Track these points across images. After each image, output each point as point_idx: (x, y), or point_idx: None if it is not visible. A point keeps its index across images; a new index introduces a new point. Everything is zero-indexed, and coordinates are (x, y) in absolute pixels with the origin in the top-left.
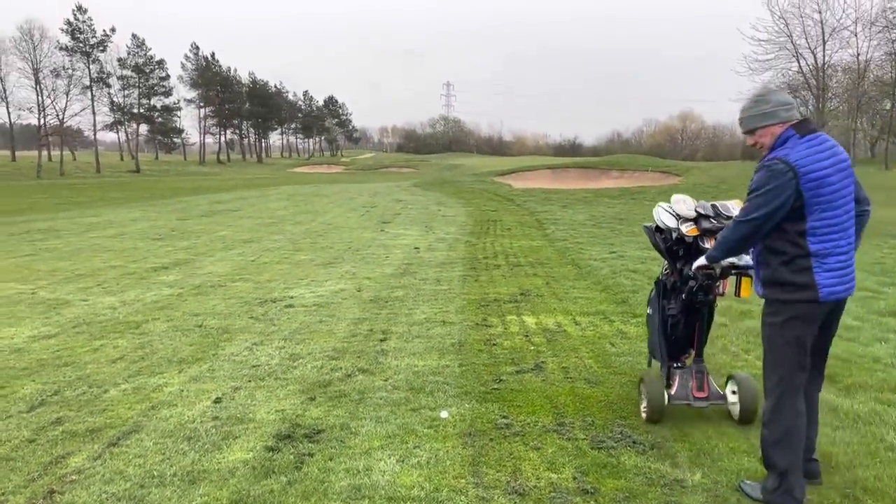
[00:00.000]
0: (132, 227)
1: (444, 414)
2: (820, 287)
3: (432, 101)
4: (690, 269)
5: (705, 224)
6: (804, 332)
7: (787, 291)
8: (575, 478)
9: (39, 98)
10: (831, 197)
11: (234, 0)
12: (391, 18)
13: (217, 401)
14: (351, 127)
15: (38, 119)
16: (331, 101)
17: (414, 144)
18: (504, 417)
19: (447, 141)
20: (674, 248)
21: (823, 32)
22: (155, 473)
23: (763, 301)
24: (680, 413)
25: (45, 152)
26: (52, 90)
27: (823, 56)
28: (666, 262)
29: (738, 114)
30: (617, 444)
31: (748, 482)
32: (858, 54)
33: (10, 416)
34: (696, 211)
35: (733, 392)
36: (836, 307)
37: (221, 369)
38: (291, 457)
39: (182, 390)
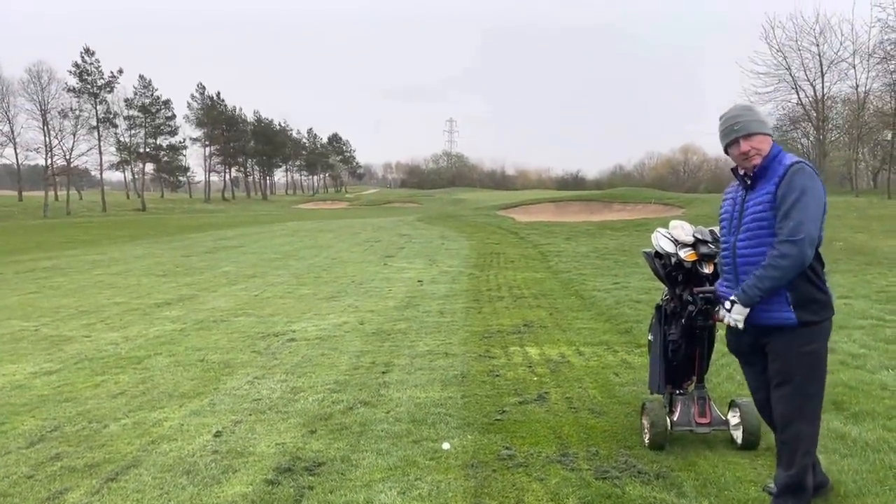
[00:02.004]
0: (136, 263)
1: (445, 445)
2: (833, 298)
3: (436, 137)
4: (689, 294)
5: (703, 249)
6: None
7: (818, 311)
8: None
9: (47, 139)
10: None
11: (240, 40)
12: (392, 56)
13: (217, 434)
14: (355, 163)
15: (46, 159)
16: (335, 139)
17: (417, 180)
18: (507, 448)
19: (450, 176)
20: (673, 273)
21: (822, 65)
22: None
23: (783, 329)
24: (684, 441)
25: (51, 192)
26: (60, 131)
27: (822, 88)
28: (665, 287)
29: (722, 123)
30: (622, 475)
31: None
32: (857, 85)
33: (9, 452)
34: (693, 236)
35: (735, 418)
36: None
37: (222, 403)
38: (291, 490)
39: (182, 424)
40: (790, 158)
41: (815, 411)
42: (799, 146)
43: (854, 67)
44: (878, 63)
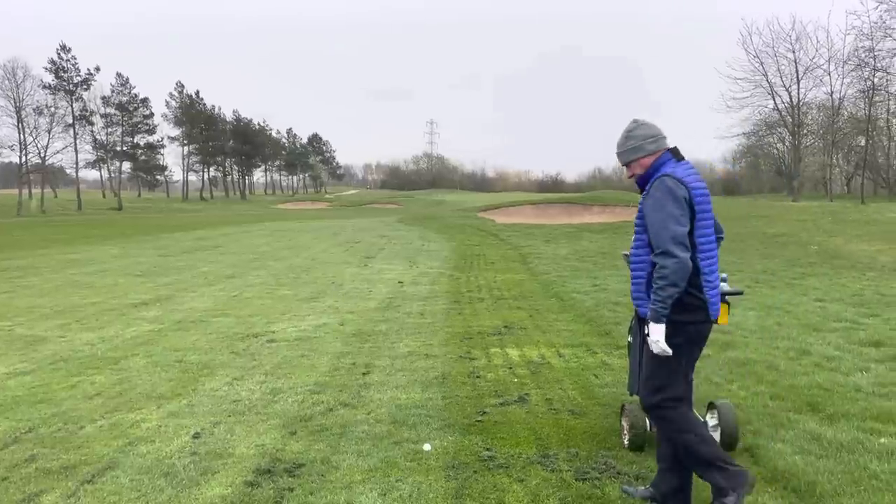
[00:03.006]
0: (113, 263)
1: (426, 447)
2: (710, 306)
3: (416, 139)
4: None
5: None
6: (692, 352)
7: (682, 313)
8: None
9: (21, 136)
10: (707, 215)
11: (220, 39)
12: (374, 57)
13: (196, 436)
14: (335, 164)
15: (20, 157)
16: (315, 139)
17: (398, 181)
18: (488, 450)
19: (431, 177)
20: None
21: (797, 71)
22: None
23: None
24: None
25: (25, 190)
26: (35, 128)
27: (798, 94)
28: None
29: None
30: (601, 476)
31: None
32: (832, 92)
33: None
34: None
35: (714, 419)
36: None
37: (201, 404)
38: (271, 491)
39: (160, 426)
40: (662, 171)
41: (656, 386)
42: (775, 151)
43: (829, 74)
44: (852, 70)
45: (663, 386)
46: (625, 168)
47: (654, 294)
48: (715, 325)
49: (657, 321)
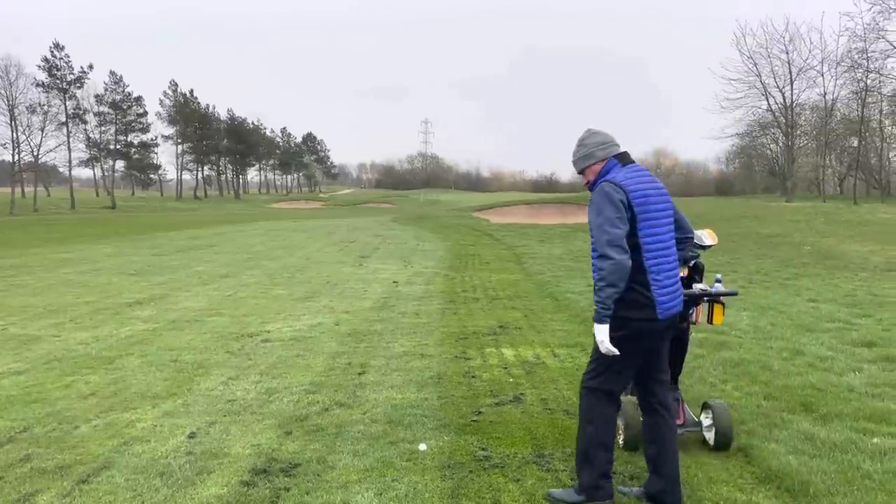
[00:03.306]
0: (107, 262)
1: (422, 447)
2: (657, 305)
3: (411, 138)
4: None
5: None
6: (636, 348)
7: (626, 308)
8: None
9: (14, 134)
10: (656, 214)
11: (214, 38)
12: (369, 56)
13: (191, 436)
14: (329, 163)
15: (13, 155)
16: (309, 138)
17: (392, 180)
18: (483, 449)
19: (425, 177)
20: None
21: (791, 72)
22: None
23: None
24: None
25: (18, 189)
26: (28, 126)
27: (791, 95)
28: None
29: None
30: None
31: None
32: (825, 93)
33: None
34: None
35: (708, 419)
36: (672, 323)
37: (196, 404)
38: (267, 491)
39: (155, 425)
40: (605, 178)
41: (596, 371)
42: (768, 152)
43: (822, 75)
44: (845, 71)
45: (603, 373)
46: (581, 176)
47: (595, 295)
48: (709, 326)
49: (600, 322)
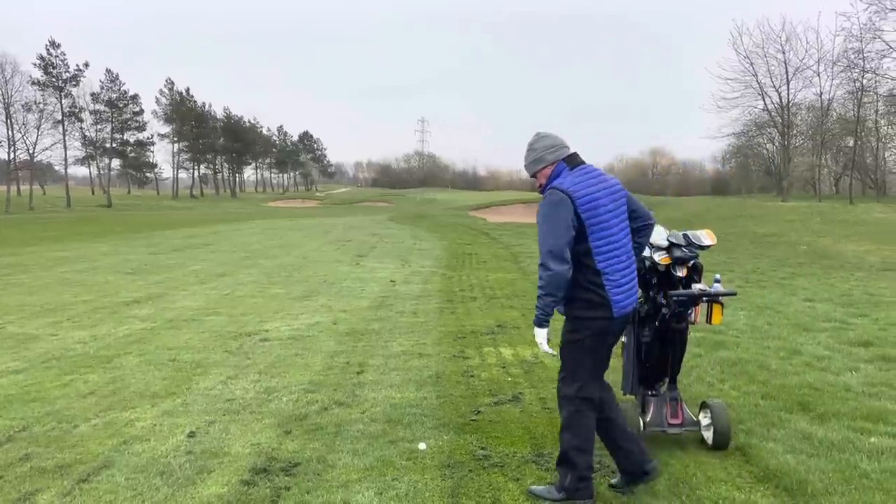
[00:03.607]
0: (103, 261)
1: (422, 446)
2: (613, 304)
3: (407, 137)
4: (663, 297)
5: (677, 253)
6: (600, 346)
7: (586, 310)
8: None
9: (10, 132)
10: (606, 216)
11: (211, 37)
12: (365, 56)
13: (191, 435)
14: (326, 161)
15: (8, 153)
16: (306, 136)
17: (389, 179)
18: (482, 448)
19: (422, 176)
20: (647, 276)
21: (787, 72)
22: None
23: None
24: (657, 441)
25: (14, 187)
26: (23, 124)
27: (788, 94)
28: (639, 290)
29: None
30: (595, 474)
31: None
32: (821, 93)
33: None
34: (668, 240)
35: (706, 418)
36: (626, 321)
37: (195, 403)
38: (267, 490)
39: (155, 425)
40: (553, 183)
41: (570, 377)
42: (764, 151)
43: (818, 75)
44: (841, 71)
45: (579, 378)
46: (534, 179)
47: (537, 300)
48: (707, 325)
49: (539, 326)
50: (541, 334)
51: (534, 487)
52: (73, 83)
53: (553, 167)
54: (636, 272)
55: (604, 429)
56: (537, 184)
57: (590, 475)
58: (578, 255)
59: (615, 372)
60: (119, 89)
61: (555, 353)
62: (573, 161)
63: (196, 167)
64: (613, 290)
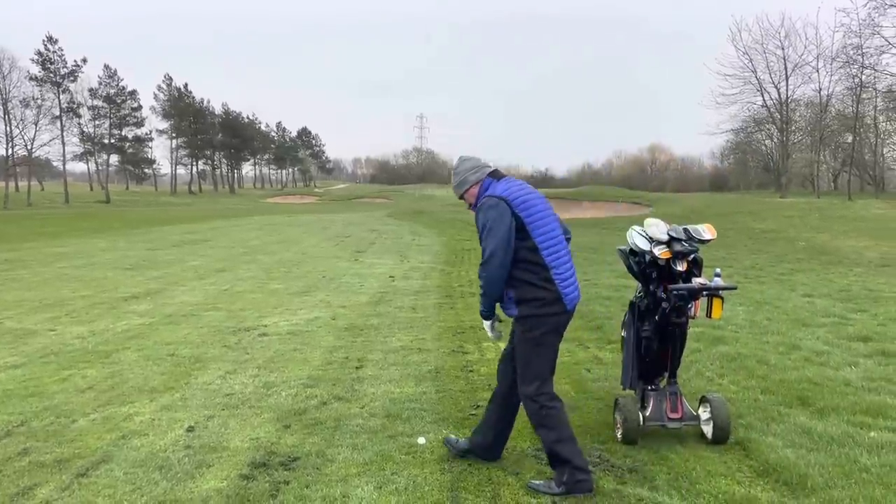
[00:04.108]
0: (102, 256)
1: (421, 440)
2: (564, 297)
3: (406, 133)
4: (663, 291)
5: (677, 247)
6: (555, 341)
7: (538, 307)
8: (554, 502)
9: (7, 128)
10: (541, 215)
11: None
12: (363, 52)
13: (190, 429)
14: (324, 158)
15: (6, 149)
16: (304, 133)
17: (387, 175)
18: None
19: (421, 172)
20: (647, 270)
21: (786, 68)
22: None
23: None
24: (656, 436)
25: (12, 183)
26: (21, 120)
27: (787, 90)
28: (639, 284)
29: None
30: (595, 469)
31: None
32: (820, 89)
33: None
34: (668, 234)
35: (706, 413)
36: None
37: (194, 398)
38: (267, 485)
39: (153, 419)
40: (483, 197)
41: (530, 376)
42: (763, 147)
43: (817, 71)
44: (840, 67)
45: (537, 376)
46: (463, 201)
47: (480, 297)
48: (706, 320)
49: (485, 318)
50: (487, 325)
51: (533, 482)
52: (71, 79)
53: (479, 185)
54: (573, 266)
55: (501, 405)
56: (467, 205)
57: (587, 467)
58: (525, 254)
59: (615, 366)
60: (117, 85)
61: (501, 333)
62: (496, 175)
63: (194, 163)
64: (562, 285)
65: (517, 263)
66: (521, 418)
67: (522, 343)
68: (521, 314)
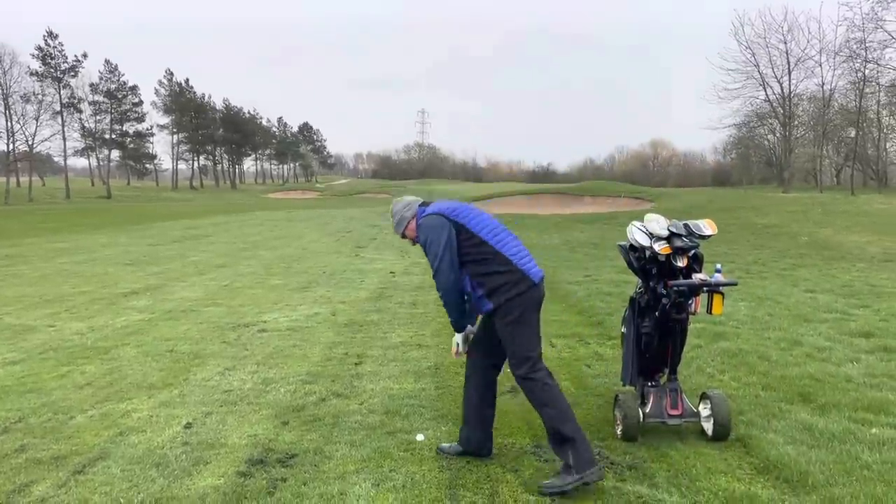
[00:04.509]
0: (102, 252)
1: (420, 437)
2: (527, 272)
3: (407, 128)
4: (663, 287)
5: (678, 243)
6: (532, 316)
7: (505, 293)
8: (553, 500)
9: (8, 123)
10: (475, 213)
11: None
12: (365, 47)
13: (188, 426)
14: (326, 153)
15: (7, 145)
16: (305, 128)
17: (389, 170)
18: None
19: (422, 167)
20: (647, 266)
21: (789, 62)
22: (122, 501)
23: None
24: (656, 432)
25: (13, 178)
26: (22, 115)
27: (789, 85)
28: (639, 280)
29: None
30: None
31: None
32: (823, 83)
33: None
34: (668, 230)
35: (706, 409)
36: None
37: (192, 394)
38: (264, 482)
39: (151, 416)
40: (420, 219)
41: (521, 357)
42: (765, 142)
43: (820, 65)
44: (843, 61)
45: (527, 356)
46: (406, 239)
47: (445, 310)
48: (707, 316)
49: (457, 331)
50: (459, 339)
51: (544, 483)
52: (72, 74)
53: (414, 219)
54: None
55: (483, 388)
56: (410, 241)
57: (589, 447)
58: (477, 250)
59: (615, 362)
60: (118, 80)
61: (462, 353)
62: (425, 204)
63: (195, 158)
64: (520, 263)
65: (474, 262)
66: (518, 416)
67: (503, 329)
68: (496, 304)
